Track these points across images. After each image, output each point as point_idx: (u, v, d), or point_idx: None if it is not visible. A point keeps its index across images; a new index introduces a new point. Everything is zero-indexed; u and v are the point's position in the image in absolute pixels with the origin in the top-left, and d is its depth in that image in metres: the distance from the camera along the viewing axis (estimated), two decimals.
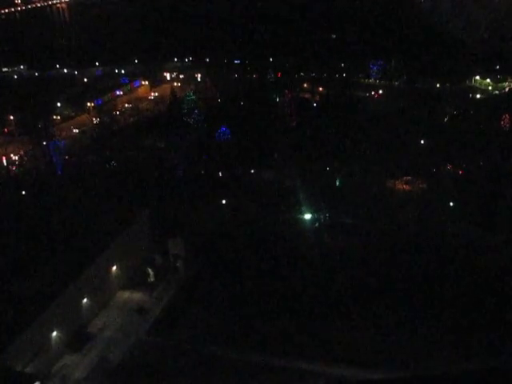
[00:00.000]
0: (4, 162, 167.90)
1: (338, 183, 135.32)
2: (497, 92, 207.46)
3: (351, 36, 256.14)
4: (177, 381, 77.69)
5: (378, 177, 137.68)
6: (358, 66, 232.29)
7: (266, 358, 80.00)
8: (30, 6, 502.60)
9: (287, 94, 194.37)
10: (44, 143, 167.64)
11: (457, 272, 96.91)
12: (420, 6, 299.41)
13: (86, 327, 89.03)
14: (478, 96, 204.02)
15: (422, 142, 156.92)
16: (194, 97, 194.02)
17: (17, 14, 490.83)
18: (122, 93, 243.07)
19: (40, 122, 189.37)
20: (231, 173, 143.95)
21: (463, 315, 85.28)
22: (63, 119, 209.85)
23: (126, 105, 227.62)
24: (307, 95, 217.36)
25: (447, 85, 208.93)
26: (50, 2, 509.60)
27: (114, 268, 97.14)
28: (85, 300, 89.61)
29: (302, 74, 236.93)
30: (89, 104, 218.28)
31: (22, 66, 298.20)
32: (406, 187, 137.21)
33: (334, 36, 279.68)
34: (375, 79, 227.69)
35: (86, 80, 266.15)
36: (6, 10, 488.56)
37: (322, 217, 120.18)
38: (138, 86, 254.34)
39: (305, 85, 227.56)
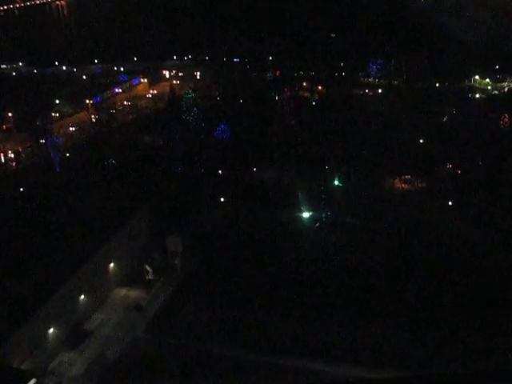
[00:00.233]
0: (2, 158, 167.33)
1: (337, 182, 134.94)
2: (496, 92, 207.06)
3: (351, 35, 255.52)
4: (174, 378, 77.37)
5: (377, 176, 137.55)
6: (357, 65, 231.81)
7: (264, 357, 79.71)
8: (28, 3, 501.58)
9: (286, 92, 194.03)
10: (42, 140, 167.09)
11: (455, 272, 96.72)
12: (420, 6, 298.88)
13: (83, 324, 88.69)
14: (478, 96, 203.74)
15: (421, 141, 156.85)
16: (193, 95, 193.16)
17: (15, 10, 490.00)
18: (120, 90, 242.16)
19: (38, 119, 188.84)
20: (230, 171, 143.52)
21: (462, 315, 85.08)
22: (62, 116, 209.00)
23: (125, 102, 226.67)
24: (306, 94, 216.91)
25: (446, 84, 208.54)
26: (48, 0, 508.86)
27: (112, 265, 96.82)
28: (82, 297, 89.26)
29: (301, 72, 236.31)
30: (87, 101, 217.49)
31: (20, 63, 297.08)
32: (405, 186, 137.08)
33: (334, 35, 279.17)
34: (374, 78, 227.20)
35: (84, 77, 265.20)
36: (5, 7, 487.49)
37: (322, 215, 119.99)
38: (137, 84, 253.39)
39: (304, 83, 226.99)
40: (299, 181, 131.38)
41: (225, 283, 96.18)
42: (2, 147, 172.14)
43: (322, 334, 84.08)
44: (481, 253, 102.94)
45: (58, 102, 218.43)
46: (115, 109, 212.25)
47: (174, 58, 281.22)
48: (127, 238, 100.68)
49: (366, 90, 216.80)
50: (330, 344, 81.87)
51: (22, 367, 75.32)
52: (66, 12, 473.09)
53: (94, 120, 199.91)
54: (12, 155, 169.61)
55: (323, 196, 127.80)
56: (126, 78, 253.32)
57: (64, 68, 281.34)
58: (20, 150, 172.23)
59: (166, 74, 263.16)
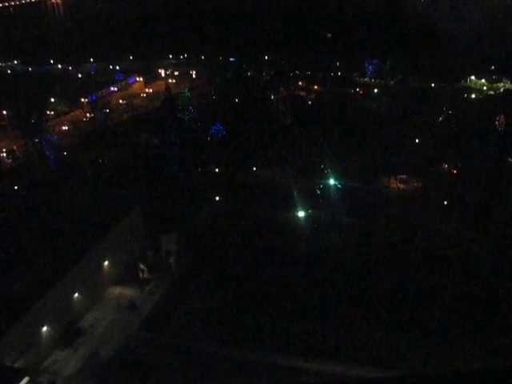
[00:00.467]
0: None
1: (332, 181, 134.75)
2: (492, 92, 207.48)
3: (347, 35, 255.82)
4: (168, 377, 77.00)
5: (372, 175, 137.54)
6: (353, 65, 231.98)
7: (260, 356, 79.38)
8: (24, 1, 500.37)
9: (282, 91, 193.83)
10: (37, 138, 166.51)
11: (451, 272, 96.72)
12: (416, 6, 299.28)
13: (77, 322, 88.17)
14: (473, 96, 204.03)
15: (417, 140, 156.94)
16: (188, 93, 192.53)
17: (11, 8, 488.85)
18: (116, 89, 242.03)
19: (33, 117, 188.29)
20: (225, 169, 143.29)
21: (459, 315, 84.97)
22: (57, 114, 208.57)
23: (121, 101, 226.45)
24: (302, 93, 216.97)
25: (442, 84, 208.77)
26: None
27: (106, 263, 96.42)
28: (76, 295, 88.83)
29: (297, 72, 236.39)
30: (83, 100, 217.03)
31: (15, 61, 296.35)
32: (401, 186, 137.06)
33: (330, 35, 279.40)
34: (370, 78, 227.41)
35: (80, 76, 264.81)
36: (0, 5, 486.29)
37: (317, 215, 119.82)
38: (133, 83, 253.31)
39: (300, 83, 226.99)
40: (294, 180, 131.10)
41: (219, 282, 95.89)
42: None
43: (319, 333, 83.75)
44: (476, 253, 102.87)
45: (53, 100, 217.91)
46: (111, 107, 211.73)
47: (170, 56, 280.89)
48: (122, 236, 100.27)
49: (361, 91, 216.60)
50: (328, 343, 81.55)
51: (15, 365, 74.81)
52: (61, 10, 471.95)
53: (89, 118, 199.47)
54: (4, 154, 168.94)
55: (319, 195, 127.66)
56: (121, 77, 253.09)
57: (59, 66, 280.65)
58: (15, 147, 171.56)
59: (162, 72, 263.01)
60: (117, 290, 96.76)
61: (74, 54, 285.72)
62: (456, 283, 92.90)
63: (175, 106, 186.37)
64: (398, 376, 15.93)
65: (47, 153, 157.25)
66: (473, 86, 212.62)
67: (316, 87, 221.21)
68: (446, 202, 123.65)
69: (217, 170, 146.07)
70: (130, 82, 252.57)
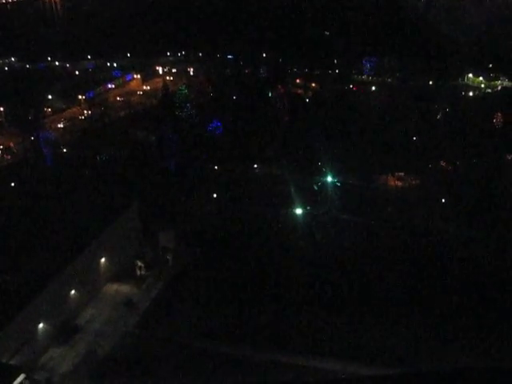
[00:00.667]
0: None
1: (330, 178, 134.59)
2: (489, 90, 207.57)
3: (345, 33, 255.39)
4: (165, 374, 76.74)
5: (370, 173, 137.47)
6: (351, 63, 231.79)
7: (258, 353, 79.16)
8: None
9: (280, 89, 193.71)
10: (34, 135, 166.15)
11: (448, 269, 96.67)
12: (414, 5, 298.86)
13: (74, 319, 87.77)
14: (471, 94, 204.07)
15: (415, 138, 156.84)
16: (186, 91, 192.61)
17: (8, 5, 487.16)
18: (113, 86, 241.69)
19: (30, 114, 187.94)
20: (223, 167, 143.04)
21: (457, 313, 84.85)
22: (54, 111, 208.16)
23: (118, 98, 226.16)
24: (300, 91, 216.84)
25: (440, 82, 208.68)
26: None
27: (103, 260, 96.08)
28: (72, 292, 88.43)
29: (295, 69, 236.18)
30: (80, 97, 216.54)
31: (12, 58, 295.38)
32: (399, 183, 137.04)
33: (328, 32, 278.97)
34: (368, 76, 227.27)
35: (77, 73, 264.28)
36: None
37: (315, 212, 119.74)
38: (130, 80, 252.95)
39: (298, 80, 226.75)
40: (292, 177, 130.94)
41: (217, 279, 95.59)
42: None
43: (319, 331, 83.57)
44: (472, 250, 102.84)
45: (50, 97, 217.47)
46: (108, 104, 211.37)
47: (168, 54, 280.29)
48: (119, 233, 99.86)
49: (359, 88, 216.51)
50: (328, 341, 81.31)
51: (11, 362, 74.50)
52: (59, 7, 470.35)
53: (86, 115, 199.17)
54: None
55: (317, 193, 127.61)
56: (119, 74, 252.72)
57: (57, 63, 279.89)
58: (12, 144, 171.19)
59: (160, 70, 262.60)
60: (114, 287, 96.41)
61: (71, 51, 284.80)
62: (455, 281, 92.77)
63: (173, 103, 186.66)
64: (398, 374, 15.81)
65: (44, 149, 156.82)
66: (470, 83, 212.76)
67: (314, 85, 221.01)
68: (443, 200, 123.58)
69: (214, 167, 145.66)
70: (128, 79, 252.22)
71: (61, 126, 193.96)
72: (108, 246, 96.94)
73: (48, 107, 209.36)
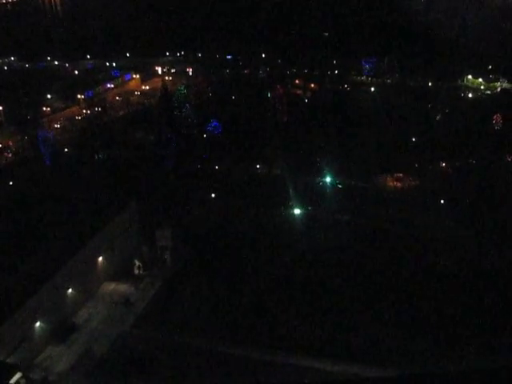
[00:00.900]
0: None
1: (329, 179, 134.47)
2: (489, 92, 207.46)
3: (344, 33, 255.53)
4: (162, 374, 76.47)
5: (369, 173, 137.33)
6: (350, 63, 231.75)
7: (257, 353, 78.84)
8: None
9: (279, 89, 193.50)
10: (33, 134, 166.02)
11: (447, 270, 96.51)
12: (414, 5, 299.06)
13: (71, 318, 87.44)
14: (470, 95, 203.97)
15: (414, 139, 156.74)
16: (185, 91, 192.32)
17: (8, 5, 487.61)
18: (112, 86, 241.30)
19: (29, 113, 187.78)
20: (221, 166, 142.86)
21: (459, 314, 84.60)
22: (53, 111, 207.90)
23: (117, 97, 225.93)
24: (299, 91, 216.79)
25: (439, 83, 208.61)
26: None
27: (100, 259, 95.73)
28: (70, 291, 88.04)
29: (294, 70, 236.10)
30: (79, 96, 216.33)
31: (12, 57, 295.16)
32: (397, 184, 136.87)
33: (327, 33, 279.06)
34: (367, 77, 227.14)
35: (76, 72, 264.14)
36: None
37: (314, 213, 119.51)
38: (129, 80, 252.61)
39: (297, 81, 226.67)
40: (291, 177, 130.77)
41: (215, 278, 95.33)
42: None
43: (318, 331, 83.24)
44: (472, 252, 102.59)
45: (49, 96, 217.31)
46: (107, 104, 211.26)
47: (167, 54, 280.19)
48: (116, 232, 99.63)
49: (358, 89, 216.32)
50: (327, 342, 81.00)
51: (7, 361, 74.11)
52: (58, 7, 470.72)
53: (85, 115, 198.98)
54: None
55: (316, 193, 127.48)
56: (118, 74, 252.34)
57: (56, 63, 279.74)
58: (11, 143, 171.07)
59: (159, 70, 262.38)
60: (111, 286, 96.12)
61: (70, 50, 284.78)
62: (455, 282, 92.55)
63: (171, 103, 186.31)
64: (399, 376, 15.53)
65: (43, 149, 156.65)
66: (470, 85, 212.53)
67: (313, 85, 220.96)
68: (442, 201, 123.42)
69: (213, 166, 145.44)
70: (127, 79, 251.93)
71: (60, 125, 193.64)
72: (106, 244, 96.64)
73: (47, 106, 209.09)
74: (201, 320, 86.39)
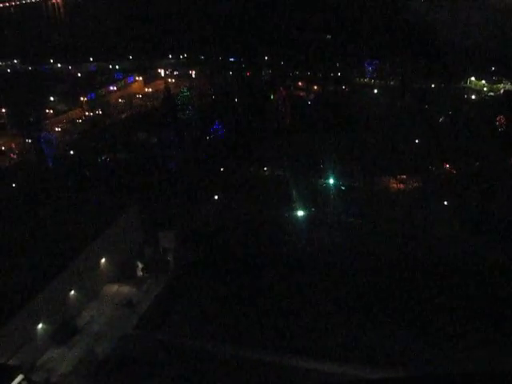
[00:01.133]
0: None
1: (332, 181, 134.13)
2: (492, 94, 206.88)
3: (346, 35, 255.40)
4: (164, 375, 76.19)
5: (372, 175, 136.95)
6: (353, 66, 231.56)
7: (258, 355, 78.49)
8: (24, 1, 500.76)
9: (281, 91, 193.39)
10: (35, 136, 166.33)
11: (451, 273, 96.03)
12: (417, 7, 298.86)
13: (73, 320, 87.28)
14: (473, 97, 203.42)
15: (417, 141, 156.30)
16: (188, 93, 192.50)
17: (11, 8, 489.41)
18: (115, 88, 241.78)
19: (32, 116, 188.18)
20: (224, 168, 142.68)
21: (459, 316, 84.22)
22: (56, 113, 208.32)
23: (120, 100, 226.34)
24: (302, 93, 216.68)
25: (442, 85, 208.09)
26: None
27: (103, 260, 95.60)
28: (72, 292, 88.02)
29: (296, 72, 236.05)
30: (82, 98, 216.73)
31: (15, 60, 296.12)
32: (401, 186, 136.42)
33: (329, 36, 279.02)
34: (370, 79, 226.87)
35: (79, 75, 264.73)
36: (1, 5, 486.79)
37: (317, 214, 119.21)
38: (132, 82, 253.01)
39: (299, 83, 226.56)
40: (294, 179, 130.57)
41: (218, 280, 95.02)
42: None
43: (320, 333, 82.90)
44: (476, 254, 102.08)
45: (52, 99, 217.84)
46: (110, 106, 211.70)
47: (170, 56, 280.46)
48: (119, 234, 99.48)
49: (361, 91, 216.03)
50: (329, 343, 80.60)
51: (10, 363, 73.94)
52: (61, 10, 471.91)
53: (88, 117, 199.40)
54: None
55: (319, 195, 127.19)
56: (120, 76, 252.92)
57: (59, 65, 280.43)
58: (13, 145, 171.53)
59: (162, 72, 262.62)
60: (114, 288, 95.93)
61: (73, 53, 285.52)
62: (456, 284, 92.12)
63: (174, 105, 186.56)
64: (399, 377, 15.26)
65: (46, 151, 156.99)
66: (473, 86, 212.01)
67: (316, 87, 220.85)
68: (445, 203, 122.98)
69: (216, 168, 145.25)
70: (130, 81, 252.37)
71: (62, 127, 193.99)
72: (108, 246, 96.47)
73: (50, 109, 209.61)
74: (203, 322, 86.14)
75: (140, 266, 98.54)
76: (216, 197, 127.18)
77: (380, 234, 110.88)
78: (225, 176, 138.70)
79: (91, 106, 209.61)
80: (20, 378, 70.45)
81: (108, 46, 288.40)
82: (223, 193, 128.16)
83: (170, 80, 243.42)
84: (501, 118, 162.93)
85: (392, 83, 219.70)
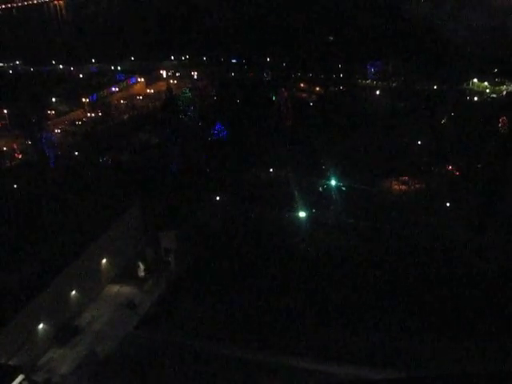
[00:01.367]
0: None
1: (334, 182, 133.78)
2: (494, 95, 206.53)
3: (349, 37, 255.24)
4: (166, 377, 75.88)
5: (374, 176, 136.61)
6: (355, 67, 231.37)
7: (260, 356, 78.18)
8: (26, 3, 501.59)
9: (283, 92, 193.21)
10: (37, 137, 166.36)
11: (451, 274, 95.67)
12: (418, 8, 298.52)
13: (74, 320, 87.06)
14: (476, 99, 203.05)
15: (420, 142, 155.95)
16: (189, 94, 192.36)
17: (13, 10, 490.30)
18: (117, 89, 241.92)
19: (34, 117, 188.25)
20: (226, 169, 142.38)
21: (460, 317, 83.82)
22: (58, 114, 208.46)
23: (122, 101, 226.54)
24: (304, 95, 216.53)
25: (445, 87, 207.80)
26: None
27: (104, 261, 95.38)
28: (73, 293, 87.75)
29: (298, 73, 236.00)
30: (84, 99, 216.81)
31: (17, 61, 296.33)
32: (403, 188, 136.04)
33: (332, 38, 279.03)
34: (372, 80, 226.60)
35: (81, 76, 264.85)
36: (3, 6, 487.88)
37: (319, 216, 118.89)
38: (134, 83, 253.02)
39: (301, 84, 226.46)
40: (296, 180, 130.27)
41: (219, 280, 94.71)
42: None
43: (321, 334, 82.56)
44: (479, 255, 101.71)
45: (54, 100, 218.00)
46: (111, 107, 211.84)
47: (172, 57, 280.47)
48: (120, 234, 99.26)
49: (363, 92, 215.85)
50: (330, 345, 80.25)
51: (10, 363, 73.66)
52: (63, 11, 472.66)
53: (89, 118, 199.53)
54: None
55: (321, 196, 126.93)
56: (122, 77, 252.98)
57: (61, 67, 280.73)
58: (15, 146, 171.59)
59: (163, 73, 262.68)
60: (115, 288, 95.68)
61: (75, 54, 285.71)
62: (459, 285, 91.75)
63: (176, 106, 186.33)
64: (399, 378, 14.93)
65: (47, 151, 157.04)
66: (475, 88, 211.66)
67: (318, 89, 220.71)
68: (448, 204, 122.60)
69: (217, 169, 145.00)
70: (131, 82, 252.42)
71: (64, 128, 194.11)
72: (109, 246, 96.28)
73: (52, 110, 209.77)
74: (205, 322, 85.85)
75: (141, 266, 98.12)
76: (218, 198, 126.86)
77: (382, 235, 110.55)
78: (226, 177, 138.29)
79: (93, 107, 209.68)
80: (21, 378, 70.26)
81: (110, 47, 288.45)
82: (225, 193, 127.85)
83: (171, 81, 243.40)
84: (503, 120, 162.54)
85: (394, 85, 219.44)
